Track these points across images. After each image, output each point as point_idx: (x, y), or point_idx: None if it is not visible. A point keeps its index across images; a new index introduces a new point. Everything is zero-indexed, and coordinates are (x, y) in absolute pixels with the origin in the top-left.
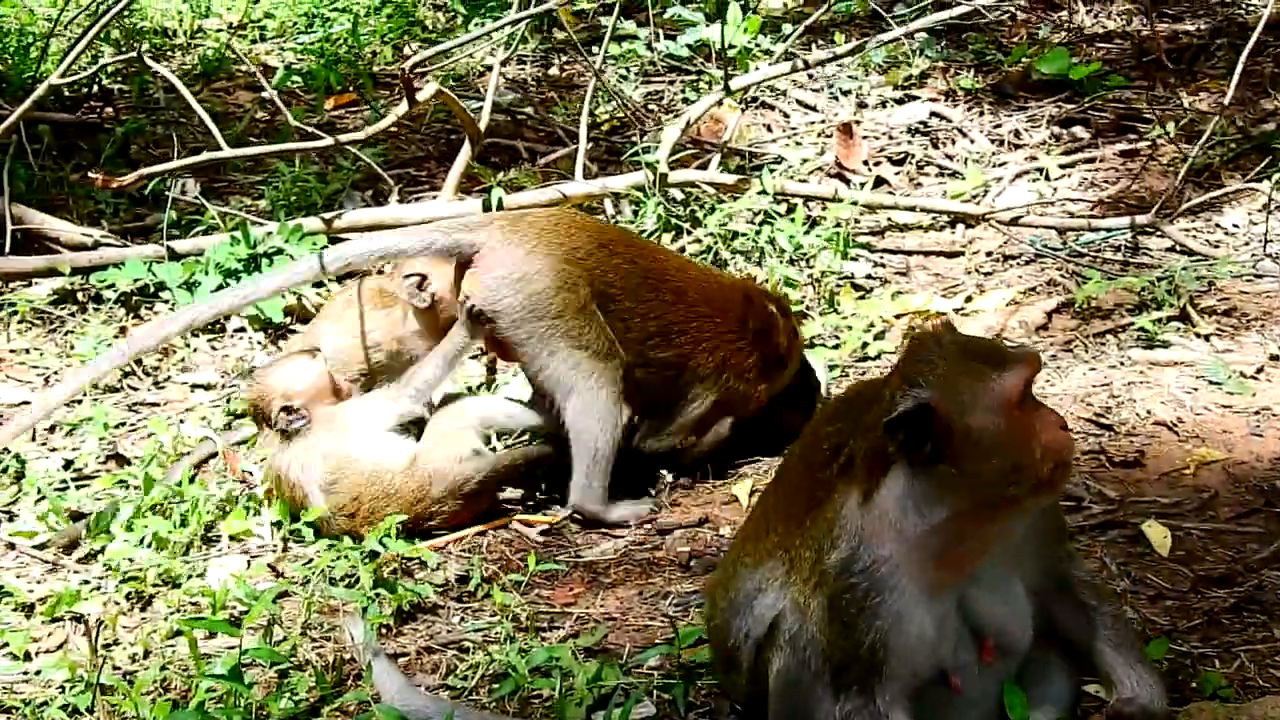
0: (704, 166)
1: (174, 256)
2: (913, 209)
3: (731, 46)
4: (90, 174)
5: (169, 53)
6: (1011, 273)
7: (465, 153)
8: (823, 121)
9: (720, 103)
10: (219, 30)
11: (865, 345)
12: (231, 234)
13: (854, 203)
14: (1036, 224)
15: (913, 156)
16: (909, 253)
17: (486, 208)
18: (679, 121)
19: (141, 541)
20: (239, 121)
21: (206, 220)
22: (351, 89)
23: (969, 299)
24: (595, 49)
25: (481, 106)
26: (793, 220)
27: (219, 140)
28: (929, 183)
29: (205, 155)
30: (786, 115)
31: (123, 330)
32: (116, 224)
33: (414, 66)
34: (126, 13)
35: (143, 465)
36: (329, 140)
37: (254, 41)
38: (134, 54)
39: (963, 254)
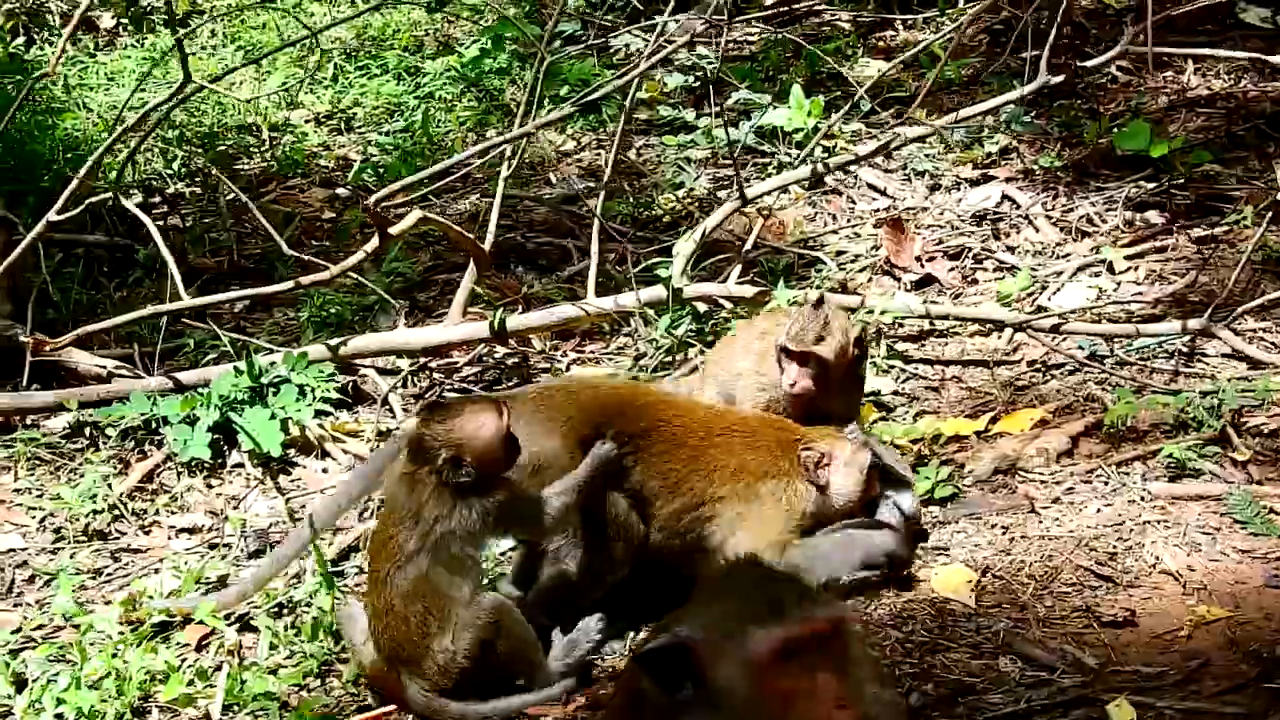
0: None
1: (179, 388)
2: (945, 317)
3: (798, 130)
4: (23, 337)
5: (250, 150)
6: (1050, 386)
7: (471, 274)
8: (888, 209)
9: (743, 206)
10: (306, 122)
11: None
12: (235, 365)
13: (881, 311)
14: (1080, 330)
15: (969, 250)
16: (946, 363)
17: (495, 331)
18: (695, 232)
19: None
20: (305, 221)
21: (223, 346)
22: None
23: (995, 419)
24: (656, 138)
25: (550, 194)
26: None
27: (280, 243)
28: (985, 279)
29: (150, 309)
30: (853, 202)
31: (125, 467)
32: (150, 348)
33: (379, 201)
34: (203, 111)
35: (81, 634)
36: (288, 285)
37: (337, 133)
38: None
39: (1004, 364)
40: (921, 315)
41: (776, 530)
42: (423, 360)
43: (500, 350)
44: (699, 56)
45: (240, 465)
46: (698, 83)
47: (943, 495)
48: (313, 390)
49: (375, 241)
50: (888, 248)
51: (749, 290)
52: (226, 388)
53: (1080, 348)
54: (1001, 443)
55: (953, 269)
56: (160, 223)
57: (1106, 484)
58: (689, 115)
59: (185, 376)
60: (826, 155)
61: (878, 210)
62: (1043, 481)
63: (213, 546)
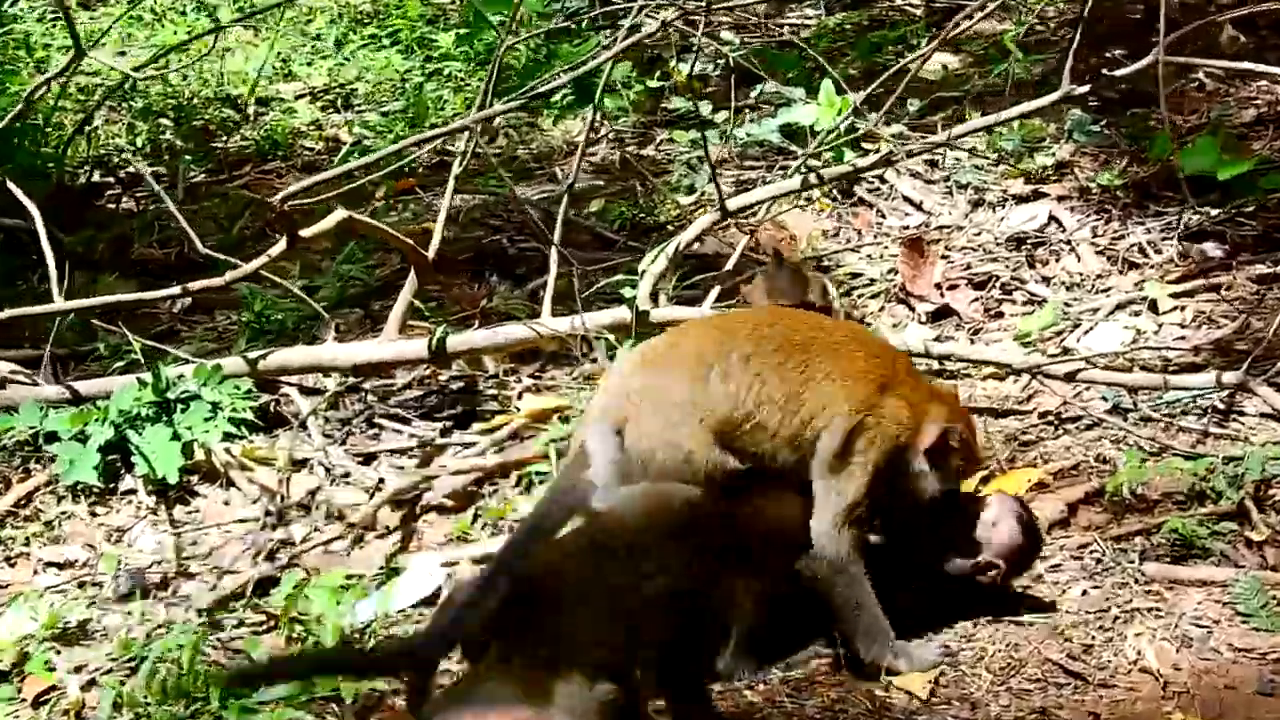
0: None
1: (76, 399)
2: (947, 357)
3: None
4: None
5: (230, 127)
6: (1060, 442)
7: (411, 284)
8: (919, 226)
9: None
10: (298, 98)
11: None
12: (138, 376)
13: None
14: (1098, 379)
15: (997, 279)
16: None
17: (433, 351)
18: (668, 247)
19: None
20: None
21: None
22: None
23: (987, 479)
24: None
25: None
26: None
27: (197, 245)
28: (1012, 313)
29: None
30: (883, 216)
31: (6, 487)
32: (67, 348)
33: (287, 199)
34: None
35: None
36: (173, 290)
37: (332, 110)
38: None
39: (1013, 414)
40: (919, 354)
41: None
42: (353, 380)
43: (446, 373)
44: (722, 43)
45: (133, 491)
46: (717, 71)
47: None
48: (224, 409)
49: (282, 245)
50: (903, 272)
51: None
52: (128, 401)
53: (1104, 399)
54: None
55: (976, 300)
56: (113, 206)
57: (1098, 561)
58: (707, 109)
59: (85, 386)
60: (826, 164)
61: (907, 227)
62: None
63: (81, 585)
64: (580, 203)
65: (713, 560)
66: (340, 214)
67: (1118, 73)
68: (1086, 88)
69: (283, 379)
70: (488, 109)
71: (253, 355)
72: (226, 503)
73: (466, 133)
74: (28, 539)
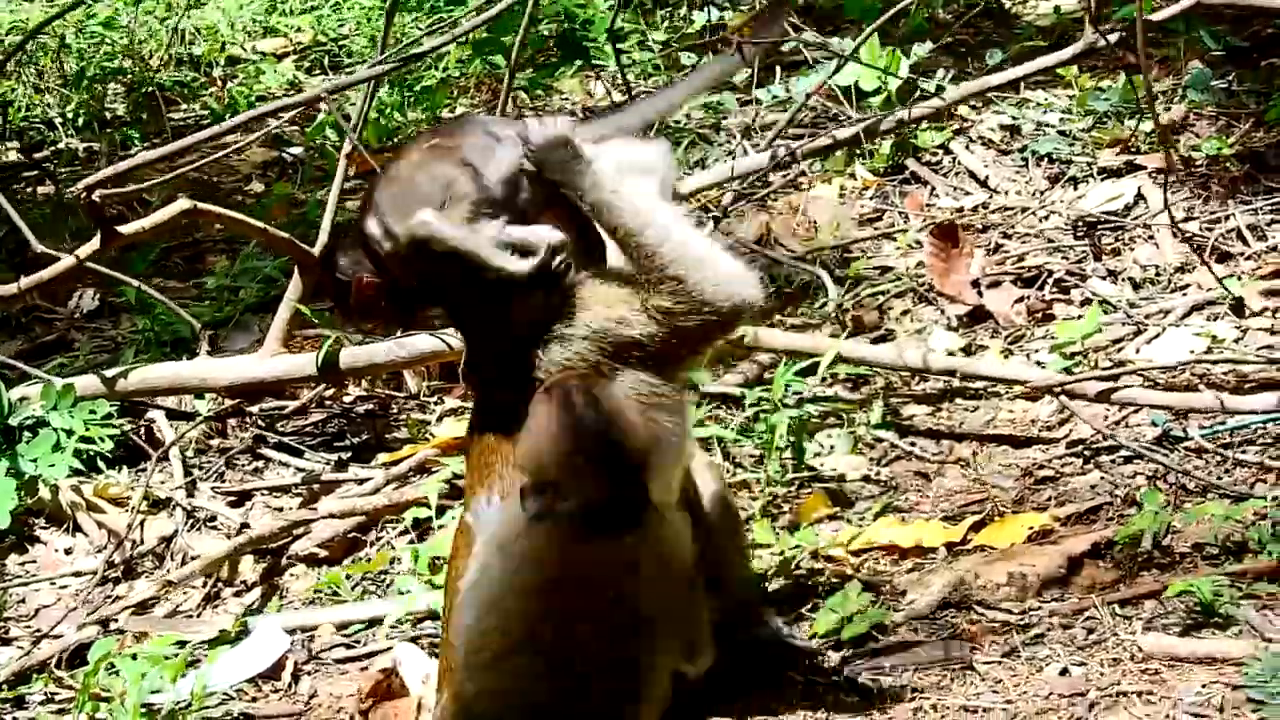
0: None
1: None
2: (949, 373)
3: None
4: None
5: (192, 90)
6: (1086, 479)
7: (294, 288)
8: (977, 209)
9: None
10: (280, 57)
11: None
12: None
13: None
14: (1139, 399)
15: (1051, 273)
16: (963, 437)
17: (321, 367)
18: None
19: None
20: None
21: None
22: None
23: (980, 525)
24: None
25: None
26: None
27: (32, 241)
28: (1065, 315)
29: None
30: (934, 192)
31: None
32: None
33: (92, 187)
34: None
35: None
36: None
37: (319, 71)
38: None
39: (1036, 443)
40: (917, 370)
41: None
42: (231, 403)
43: (353, 393)
44: None
45: None
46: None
47: (852, 634)
48: (74, 437)
49: (94, 244)
50: (931, 266)
51: None
52: None
53: (1154, 424)
54: (967, 561)
55: (1021, 299)
56: (29, 189)
57: (1090, 632)
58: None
59: None
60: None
61: (961, 210)
62: (1003, 624)
63: None
64: None
65: None
66: (183, 203)
67: (1158, 15)
68: (1115, 36)
69: (150, 402)
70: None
71: (110, 373)
72: (68, 550)
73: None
74: None
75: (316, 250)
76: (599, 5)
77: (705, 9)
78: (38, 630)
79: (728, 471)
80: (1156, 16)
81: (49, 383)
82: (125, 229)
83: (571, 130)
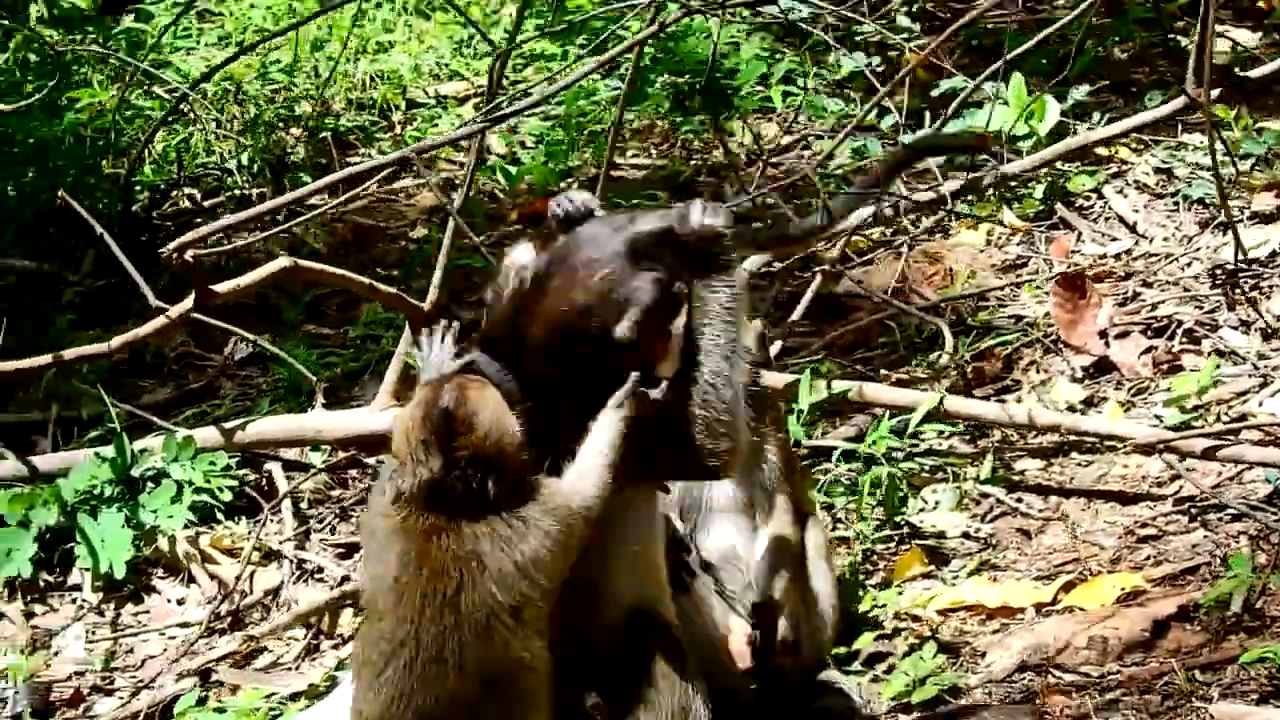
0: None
1: (33, 476)
2: (1053, 429)
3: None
4: None
5: (370, 136)
6: (1188, 539)
7: (405, 341)
8: (1120, 256)
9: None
10: (461, 101)
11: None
12: (97, 451)
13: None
14: (1250, 457)
15: (1180, 324)
16: (1071, 493)
17: None
18: None
19: None
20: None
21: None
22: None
23: (1071, 586)
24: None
25: None
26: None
27: (148, 295)
28: (1192, 366)
29: None
30: (1080, 239)
31: None
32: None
33: (184, 246)
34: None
35: None
36: (43, 359)
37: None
38: None
39: (1149, 499)
40: (1021, 426)
41: None
42: (344, 455)
43: None
44: (895, 28)
45: (78, 588)
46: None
47: (921, 699)
48: (192, 490)
49: (188, 303)
50: (1058, 317)
51: (780, 378)
52: (85, 480)
53: (1268, 481)
54: (1051, 623)
55: (1148, 350)
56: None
57: (1166, 698)
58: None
59: (45, 461)
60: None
61: (1104, 257)
62: (1079, 688)
63: None
64: None
65: None
66: (283, 260)
67: (1253, 72)
68: (1216, 92)
69: (267, 453)
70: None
71: (228, 425)
72: (180, 601)
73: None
74: None
75: (427, 305)
76: (744, 55)
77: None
78: (140, 680)
79: (828, 526)
80: None
81: (170, 434)
82: (221, 287)
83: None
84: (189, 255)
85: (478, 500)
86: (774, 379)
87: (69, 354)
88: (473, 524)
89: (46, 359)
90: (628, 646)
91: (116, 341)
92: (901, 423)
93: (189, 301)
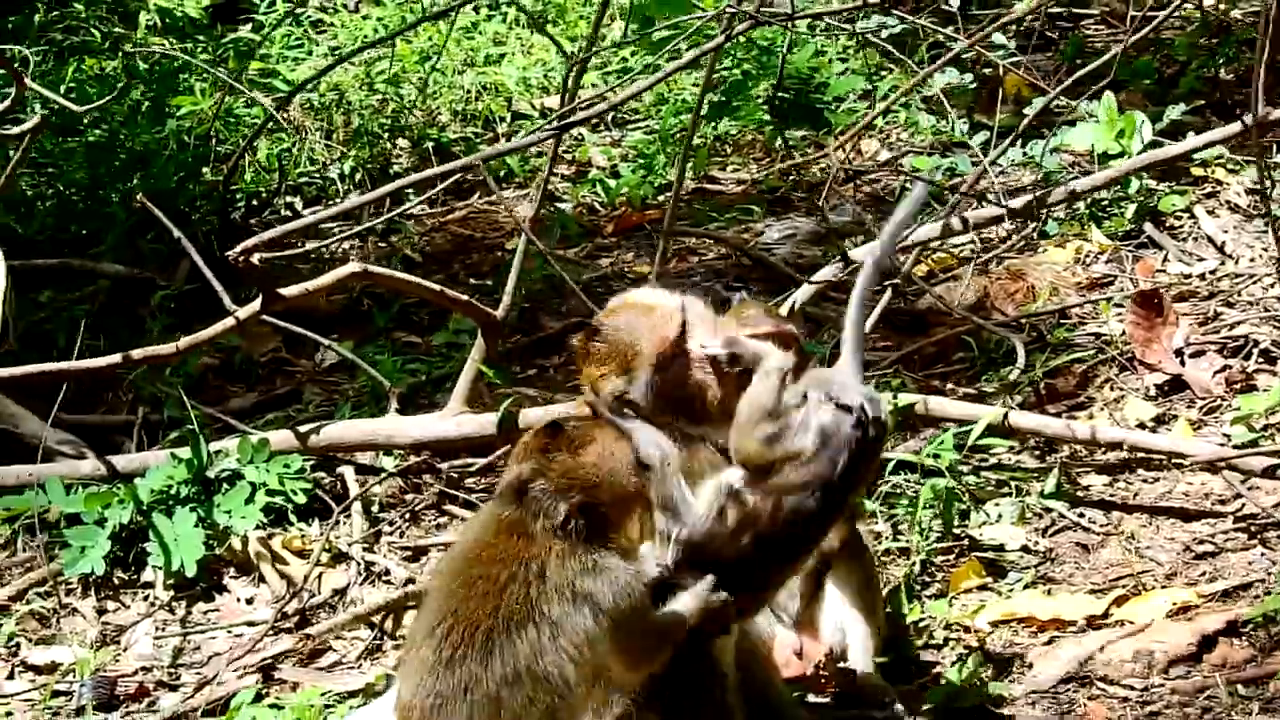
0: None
1: (112, 475)
2: (1117, 446)
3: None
4: None
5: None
6: (1244, 556)
7: (478, 349)
8: (1206, 275)
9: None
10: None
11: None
12: (171, 452)
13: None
14: None
15: (1257, 344)
16: (1133, 509)
17: (501, 427)
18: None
19: None
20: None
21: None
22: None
23: (1121, 600)
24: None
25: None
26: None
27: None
28: (1266, 385)
29: None
30: (1166, 258)
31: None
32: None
33: (249, 250)
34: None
35: None
36: (114, 357)
37: (603, 126)
38: None
39: (1210, 516)
40: (1085, 441)
41: None
42: (418, 459)
43: None
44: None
45: (149, 585)
46: (974, 83)
47: (960, 707)
48: (264, 491)
49: (255, 306)
50: (1133, 335)
51: None
52: (161, 481)
53: None
54: (1100, 636)
55: (1223, 370)
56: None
57: (1206, 712)
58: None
59: (123, 461)
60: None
61: (1189, 276)
62: (1122, 700)
63: (57, 694)
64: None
65: None
66: (353, 266)
67: None
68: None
69: (341, 457)
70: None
71: (304, 429)
72: (250, 600)
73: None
74: (12, 639)
75: (500, 312)
76: (832, 69)
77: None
78: (205, 677)
79: (888, 537)
80: None
81: (245, 436)
82: (289, 290)
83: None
84: (255, 259)
85: (557, 518)
86: None
87: (137, 353)
88: (550, 538)
89: (116, 358)
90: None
91: (183, 342)
92: (967, 437)
93: (256, 304)
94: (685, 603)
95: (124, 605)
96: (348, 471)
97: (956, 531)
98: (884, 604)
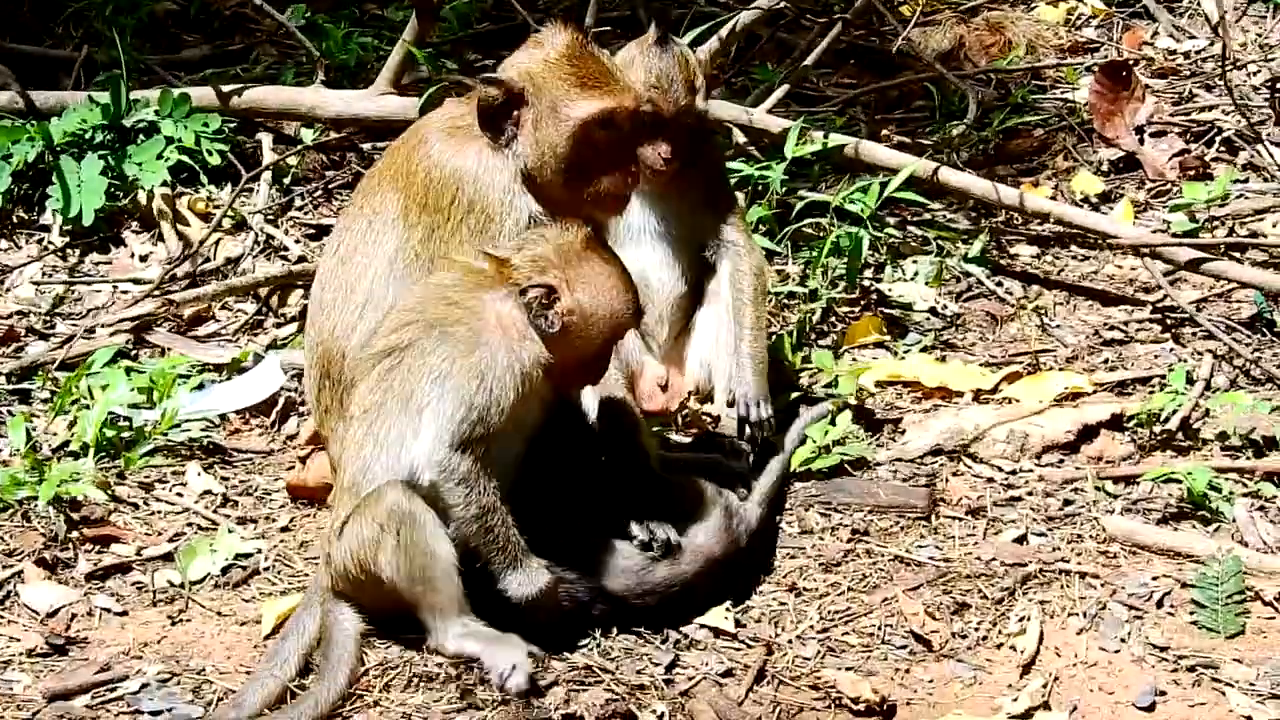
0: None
1: (29, 111)
2: (1044, 217)
3: None
4: None
5: None
6: (1152, 349)
7: (410, 30)
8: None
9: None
10: None
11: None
12: (89, 94)
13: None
14: (1230, 274)
15: (1221, 131)
16: (1054, 284)
17: (425, 112)
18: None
19: None
20: None
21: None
22: None
23: (1013, 377)
24: None
25: None
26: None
27: None
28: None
29: None
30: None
31: None
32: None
33: None
34: None
35: None
36: None
37: None
38: None
39: (1129, 303)
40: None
41: None
42: (337, 135)
43: None
44: None
45: (47, 229)
46: None
47: (821, 466)
48: (182, 146)
49: None
50: (1094, 107)
51: (779, 123)
52: (75, 123)
53: (1255, 304)
54: (980, 412)
55: (1181, 153)
56: None
57: (1068, 504)
58: None
59: (42, 97)
60: None
61: (1175, 52)
62: (986, 480)
63: None
64: None
65: None
66: None
67: None
68: None
69: (263, 124)
70: None
71: (227, 88)
72: (144, 258)
73: None
74: None
75: None
76: None
77: None
78: (77, 330)
79: (793, 279)
80: None
81: (167, 88)
82: None
83: None
84: None
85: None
86: (767, 121)
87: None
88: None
89: None
90: None
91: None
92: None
93: None
94: None
95: (16, 246)
96: (266, 139)
97: (866, 284)
98: (764, 347)
